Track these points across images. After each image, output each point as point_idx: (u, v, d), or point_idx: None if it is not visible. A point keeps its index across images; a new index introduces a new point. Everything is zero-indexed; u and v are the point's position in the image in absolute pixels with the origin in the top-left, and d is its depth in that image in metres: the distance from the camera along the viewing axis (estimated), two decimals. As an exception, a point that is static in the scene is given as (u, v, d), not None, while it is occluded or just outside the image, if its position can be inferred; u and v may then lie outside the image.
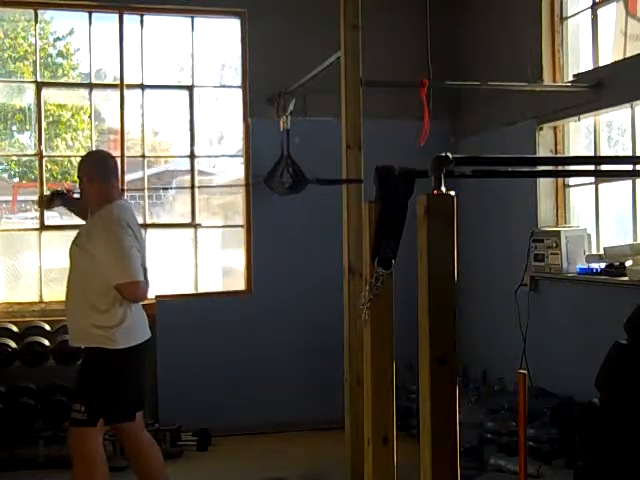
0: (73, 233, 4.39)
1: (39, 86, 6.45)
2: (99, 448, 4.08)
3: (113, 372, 4.10)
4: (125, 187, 6.34)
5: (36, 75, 6.50)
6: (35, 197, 6.44)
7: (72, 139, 7.79)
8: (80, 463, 4.09)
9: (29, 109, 6.60)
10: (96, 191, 4.22)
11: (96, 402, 4.05)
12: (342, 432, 4.74)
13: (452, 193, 2.16)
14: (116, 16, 6.47)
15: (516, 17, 6.06)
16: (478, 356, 6.33)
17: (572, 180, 5.72)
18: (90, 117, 6.72)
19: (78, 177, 4.37)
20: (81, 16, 6.54)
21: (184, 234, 6.73)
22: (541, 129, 5.78)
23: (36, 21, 6.55)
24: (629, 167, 3.63)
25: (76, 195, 4.70)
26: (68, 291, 4.25)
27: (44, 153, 6.47)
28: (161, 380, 6.27)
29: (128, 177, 6.65)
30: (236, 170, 6.91)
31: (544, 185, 5.73)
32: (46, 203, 4.81)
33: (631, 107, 5.05)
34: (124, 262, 4.07)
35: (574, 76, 5.53)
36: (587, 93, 5.21)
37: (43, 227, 6.35)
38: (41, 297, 6.37)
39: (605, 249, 5.08)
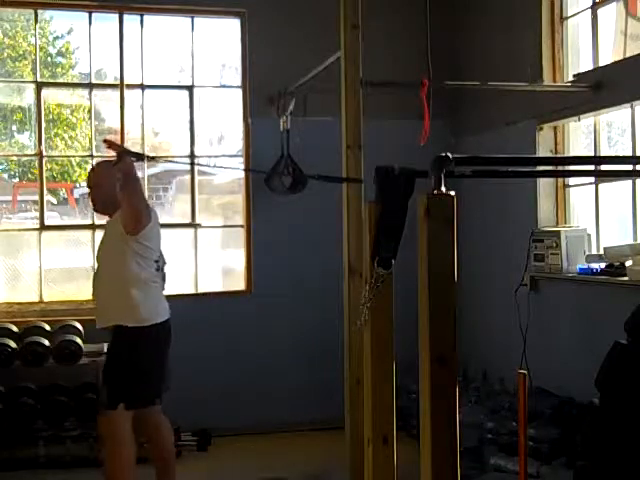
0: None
1: (39, 86, 6.44)
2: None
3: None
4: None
5: (36, 75, 6.50)
6: (35, 197, 6.45)
7: (71, 139, 7.80)
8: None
9: (29, 109, 6.60)
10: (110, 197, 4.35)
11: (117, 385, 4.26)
12: (342, 432, 4.73)
13: (452, 193, 2.16)
14: (116, 16, 6.47)
15: (516, 17, 6.06)
16: (478, 356, 6.33)
17: (572, 180, 5.72)
18: (90, 117, 6.72)
19: (89, 187, 4.47)
20: (81, 16, 6.54)
21: (184, 234, 6.72)
22: (541, 129, 5.78)
23: (36, 21, 6.54)
24: (629, 167, 3.62)
25: None
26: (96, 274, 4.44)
27: (44, 153, 6.46)
28: (161, 380, 6.26)
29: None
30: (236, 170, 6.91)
31: (544, 185, 5.73)
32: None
33: (631, 107, 5.04)
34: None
35: (574, 76, 5.53)
36: (587, 93, 5.21)
37: (43, 227, 6.33)
38: (41, 297, 6.37)
39: (605, 249, 5.08)
